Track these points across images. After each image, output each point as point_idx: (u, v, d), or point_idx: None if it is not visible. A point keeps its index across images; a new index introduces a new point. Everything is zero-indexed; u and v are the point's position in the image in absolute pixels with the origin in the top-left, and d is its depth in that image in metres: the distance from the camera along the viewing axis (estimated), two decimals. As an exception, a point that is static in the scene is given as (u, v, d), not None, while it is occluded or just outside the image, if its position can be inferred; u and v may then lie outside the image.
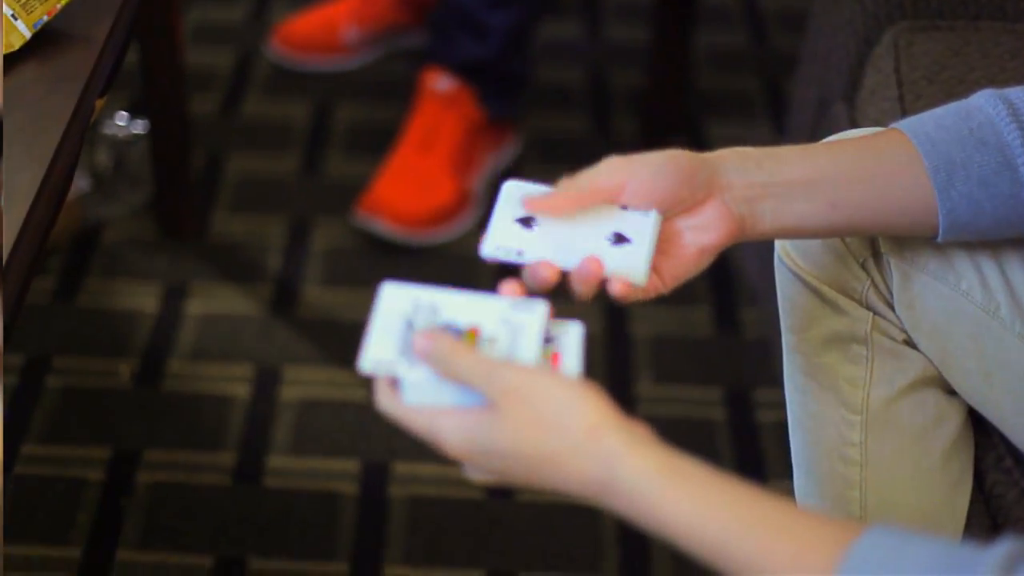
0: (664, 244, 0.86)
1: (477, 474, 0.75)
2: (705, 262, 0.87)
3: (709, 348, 1.70)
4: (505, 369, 0.72)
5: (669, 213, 0.86)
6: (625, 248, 0.81)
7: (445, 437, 0.73)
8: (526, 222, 0.82)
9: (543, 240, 0.81)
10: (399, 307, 0.76)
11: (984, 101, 0.88)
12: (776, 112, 2.04)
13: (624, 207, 0.84)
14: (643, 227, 0.83)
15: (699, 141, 1.98)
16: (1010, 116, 0.86)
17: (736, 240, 0.87)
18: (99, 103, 1.01)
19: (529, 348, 0.74)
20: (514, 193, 0.84)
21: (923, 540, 0.66)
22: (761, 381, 1.63)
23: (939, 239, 0.89)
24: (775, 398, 1.57)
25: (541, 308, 0.76)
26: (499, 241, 0.81)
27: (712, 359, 1.68)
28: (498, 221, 0.83)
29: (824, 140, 0.92)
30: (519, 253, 0.80)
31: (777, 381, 1.63)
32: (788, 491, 1.08)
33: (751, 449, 1.56)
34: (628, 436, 0.71)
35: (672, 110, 1.99)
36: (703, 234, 0.86)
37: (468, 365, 0.73)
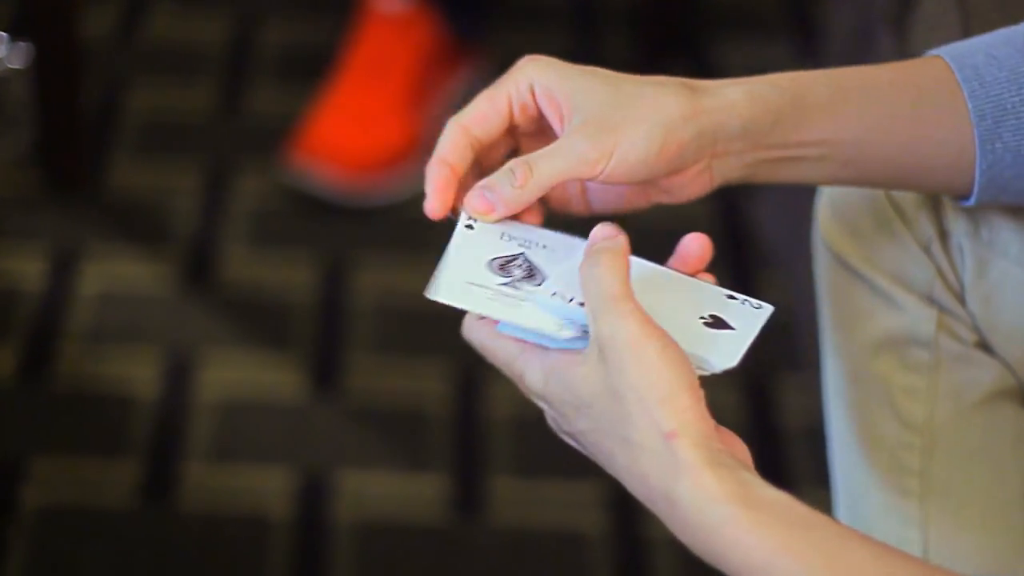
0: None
1: (555, 425, 0.79)
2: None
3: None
4: (630, 317, 0.75)
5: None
6: (722, 333, 0.81)
7: (528, 369, 0.78)
8: None
9: None
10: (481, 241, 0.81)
11: None
12: (800, 32, 2.05)
13: (732, 296, 0.83)
14: (752, 319, 0.82)
15: (705, 66, 2.00)
16: None
17: None
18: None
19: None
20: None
21: None
22: (783, 365, 1.63)
23: (971, 201, 0.87)
24: (801, 388, 1.55)
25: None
26: (553, 289, 0.81)
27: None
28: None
29: (859, 68, 0.89)
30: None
31: (803, 367, 1.60)
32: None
33: (771, 452, 1.56)
34: (706, 453, 0.73)
35: (673, 29, 1.99)
36: (661, 195, 0.86)
37: (604, 278, 0.75)
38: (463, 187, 0.83)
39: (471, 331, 0.81)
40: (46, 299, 1.66)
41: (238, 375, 1.59)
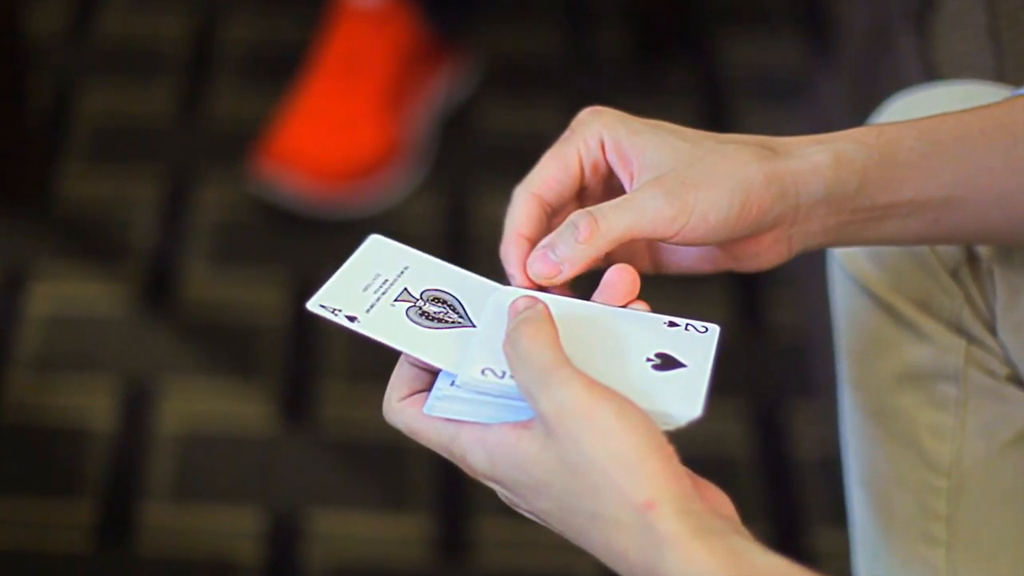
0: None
1: (511, 504, 0.78)
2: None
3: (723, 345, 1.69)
4: (573, 383, 0.74)
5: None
6: (675, 375, 0.79)
7: (470, 451, 0.77)
8: None
9: None
10: (381, 262, 0.83)
11: None
12: (811, 27, 2.06)
13: (673, 323, 0.82)
14: (702, 348, 0.81)
15: (708, 63, 1.99)
16: None
17: None
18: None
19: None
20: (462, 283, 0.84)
21: None
22: (795, 392, 1.64)
23: None
24: (815, 416, 1.58)
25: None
26: (481, 365, 0.80)
27: (727, 361, 1.66)
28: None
29: (950, 117, 0.89)
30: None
31: (817, 393, 1.60)
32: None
33: (783, 487, 1.57)
34: (693, 521, 0.72)
35: (673, 23, 2.01)
36: (730, 262, 0.87)
37: (532, 352, 0.75)
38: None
39: (394, 415, 0.80)
40: (-10, 322, 1.66)
41: (201, 406, 1.59)
